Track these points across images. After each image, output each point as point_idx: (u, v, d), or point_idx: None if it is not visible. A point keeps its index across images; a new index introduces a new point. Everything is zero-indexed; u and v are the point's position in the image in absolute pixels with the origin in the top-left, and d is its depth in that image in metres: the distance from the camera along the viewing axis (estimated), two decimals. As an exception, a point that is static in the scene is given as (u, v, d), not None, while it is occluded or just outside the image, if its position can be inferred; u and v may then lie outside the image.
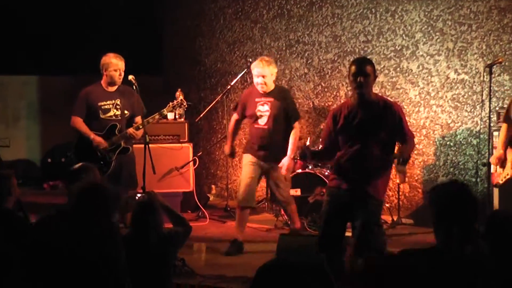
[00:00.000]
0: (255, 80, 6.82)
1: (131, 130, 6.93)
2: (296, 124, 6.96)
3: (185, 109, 7.69)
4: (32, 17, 10.29)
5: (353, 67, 5.40)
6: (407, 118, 8.25)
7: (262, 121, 6.86)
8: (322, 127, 8.47)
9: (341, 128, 5.51)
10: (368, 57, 8.49)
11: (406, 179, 8.28)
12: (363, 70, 5.35)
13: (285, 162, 6.84)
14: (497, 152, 6.51)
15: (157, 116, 7.11)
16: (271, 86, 6.86)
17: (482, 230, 3.71)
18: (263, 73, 6.75)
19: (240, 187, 6.94)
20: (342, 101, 8.45)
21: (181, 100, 7.31)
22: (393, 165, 5.79)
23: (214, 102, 8.30)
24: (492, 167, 6.65)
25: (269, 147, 6.84)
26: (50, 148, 10.93)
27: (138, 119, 7.00)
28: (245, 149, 7.17)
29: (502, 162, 6.44)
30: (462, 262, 3.32)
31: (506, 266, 3.47)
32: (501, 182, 6.49)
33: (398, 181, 7.60)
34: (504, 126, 6.55)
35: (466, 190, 3.51)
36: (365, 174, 5.41)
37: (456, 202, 3.42)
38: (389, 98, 6.64)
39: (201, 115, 8.18)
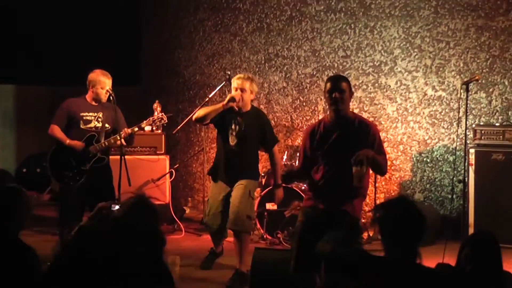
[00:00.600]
0: (233, 92, 6.49)
1: (128, 130, 6.91)
2: (276, 149, 6.70)
3: (165, 124, 7.63)
4: (8, 27, 10.23)
5: (328, 84, 5.39)
6: (384, 134, 8.36)
7: (232, 141, 6.58)
8: (300, 141, 8.52)
9: (317, 145, 5.51)
10: (347, 72, 8.68)
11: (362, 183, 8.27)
12: (338, 86, 5.35)
13: (277, 193, 6.70)
14: None
15: (136, 129, 7.04)
16: (248, 105, 6.55)
17: (466, 251, 3.80)
18: (242, 86, 6.45)
19: (209, 214, 6.65)
20: (320, 116, 8.50)
21: (161, 115, 7.28)
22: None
23: (192, 115, 8.27)
24: None
25: (236, 169, 6.55)
26: (25, 158, 10.92)
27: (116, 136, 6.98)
28: (210, 170, 6.85)
29: None
30: (410, 275, 3.39)
31: (489, 285, 3.59)
32: None
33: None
34: None
35: (410, 208, 3.55)
36: (340, 192, 5.38)
37: (399, 221, 3.46)
38: (366, 118, 6.61)
39: (179, 127, 8.15)
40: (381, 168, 5.50)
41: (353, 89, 6.32)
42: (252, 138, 6.54)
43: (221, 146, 6.64)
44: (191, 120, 8.55)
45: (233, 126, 6.52)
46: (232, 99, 6.31)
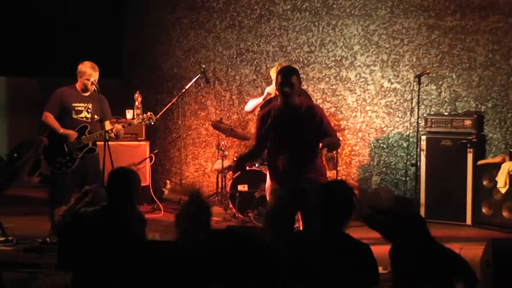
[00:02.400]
0: (273, 84, 6.68)
1: (119, 126, 6.95)
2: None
3: (152, 123, 7.55)
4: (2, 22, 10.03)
5: (279, 77, 5.35)
6: (345, 123, 8.41)
7: None
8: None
9: (269, 129, 5.47)
10: (311, 66, 8.71)
11: (337, 167, 8.23)
12: (288, 81, 5.31)
13: None
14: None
15: (126, 125, 7.14)
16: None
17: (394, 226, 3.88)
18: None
19: None
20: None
21: (150, 114, 7.27)
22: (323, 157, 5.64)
23: (169, 104, 8.29)
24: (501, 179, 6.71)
25: None
26: (17, 144, 10.64)
27: (107, 123, 6.97)
28: None
29: None
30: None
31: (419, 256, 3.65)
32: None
33: (328, 169, 6.63)
34: None
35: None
36: (297, 171, 5.36)
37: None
38: (311, 102, 6.58)
39: (158, 116, 8.06)
40: (334, 146, 5.59)
41: (315, 81, 6.43)
42: None
43: None
44: (169, 109, 8.55)
45: None
46: (268, 94, 6.75)
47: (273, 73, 6.77)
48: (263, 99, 6.72)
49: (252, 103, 7.01)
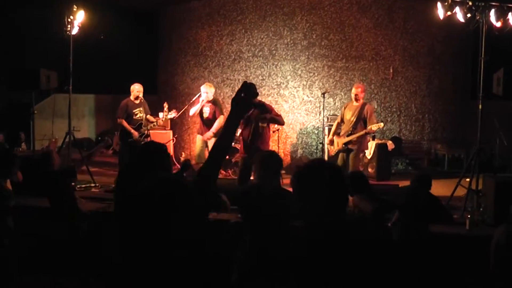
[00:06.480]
0: (203, 95, 6.70)
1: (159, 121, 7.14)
2: (221, 117, 6.84)
3: (174, 118, 7.79)
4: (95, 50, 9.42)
5: (252, 90, 5.71)
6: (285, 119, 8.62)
7: (205, 115, 6.78)
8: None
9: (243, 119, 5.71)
10: (263, 87, 8.99)
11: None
12: (256, 92, 5.86)
13: (207, 134, 6.83)
14: (329, 137, 6.73)
15: (161, 120, 7.56)
16: (211, 98, 6.73)
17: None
18: (204, 90, 6.72)
19: (196, 152, 7.00)
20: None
21: (172, 113, 7.47)
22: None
23: (183, 109, 8.43)
24: (327, 147, 6.76)
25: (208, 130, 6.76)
26: (100, 132, 10.89)
27: (149, 116, 7.23)
28: (198, 131, 7.06)
29: (332, 143, 6.62)
30: None
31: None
32: (333, 154, 6.69)
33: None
34: (335, 123, 6.83)
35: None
36: (256, 145, 5.75)
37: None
38: (265, 102, 6.63)
39: (176, 116, 8.05)
40: (278, 122, 5.83)
41: (266, 96, 7.16)
42: (212, 112, 6.71)
43: (202, 118, 6.84)
44: (182, 113, 8.70)
45: (205, 109, 6.74)
46: (202, 101, 6.67)
47: (204, 87, 6.68)
48: (201, 106, 6.60)
49: (193, 110, 6.79)
